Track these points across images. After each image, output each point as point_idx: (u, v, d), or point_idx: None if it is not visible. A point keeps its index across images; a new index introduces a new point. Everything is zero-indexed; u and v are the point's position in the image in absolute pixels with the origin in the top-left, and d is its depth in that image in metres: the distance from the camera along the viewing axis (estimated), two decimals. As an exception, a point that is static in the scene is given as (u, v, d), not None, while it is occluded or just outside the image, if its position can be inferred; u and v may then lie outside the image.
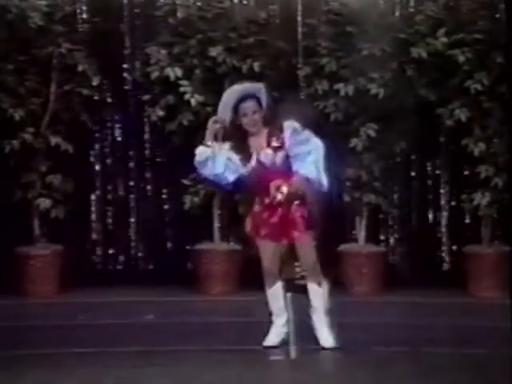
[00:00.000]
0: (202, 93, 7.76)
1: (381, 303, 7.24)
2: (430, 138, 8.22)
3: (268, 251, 5.53)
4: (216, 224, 7.95)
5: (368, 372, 5.14)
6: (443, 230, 8.35)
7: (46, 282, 7.74)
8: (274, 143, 5.51)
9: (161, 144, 8.37)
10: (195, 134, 8.06)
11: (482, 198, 7.68)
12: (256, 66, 7.72)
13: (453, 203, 8.23)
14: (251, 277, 7.74)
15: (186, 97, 7.74)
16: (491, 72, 7.62)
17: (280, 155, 5.50)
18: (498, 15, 7.72)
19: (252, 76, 7.76)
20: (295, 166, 5.47)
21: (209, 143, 5.62)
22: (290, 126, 5.55)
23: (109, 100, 8.38)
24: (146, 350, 5.68)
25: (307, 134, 5.59)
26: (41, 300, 7.45)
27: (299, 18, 8.24)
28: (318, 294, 5.50)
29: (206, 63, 7.81)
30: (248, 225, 5.64)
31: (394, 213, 8.18)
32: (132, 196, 8.50)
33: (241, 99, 5.55)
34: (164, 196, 8.47)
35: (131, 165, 8.51)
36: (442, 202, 8.36)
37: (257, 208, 5.54)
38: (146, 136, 8.44)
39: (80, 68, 7.81)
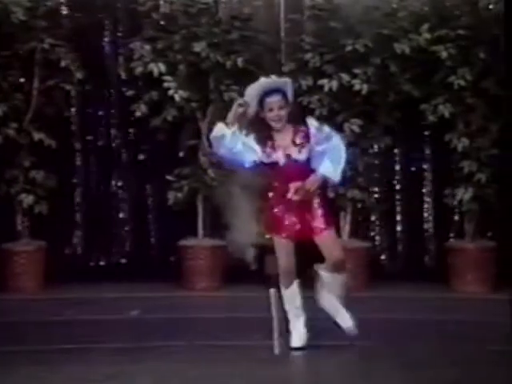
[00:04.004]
0: (186, 88, 7.75)
1: (365, 298, 7.26)
2: (414, 133, 8.25)
3: (285, 251, 5.44)
4: (200, 220, 7.96)
5: (352, 367, 5.17)
6: (427, 225, 8.39)
7: (30, 278, 7.72)
8: (299, 140, 5.42)
9: (145, 140, 8.36)
10: (180, 130, 8.09)
11: (464, 193, 7.72)
12: (240, 61, 7.72)
13: (436, 198, 8.26)
14: (236, 272, 7.78)
15: (170, 92, 7.73)
16: (474, 68, 7.66)
17: (304, 153, 5.42)
18: (480, 11, 7.76)
19: (236, 71, 7.78)
20: (315, 164, 5.39)
21: (229, 121, 5.45)
22: (313, 123, 5.48)
23: (92, 95, 8.35)
24: (131, 346, 5.67)
25: (328, 131, 5.52)
26: (24, 296, 7.42)
27: (283, 14, 8.24)
28: (338, 281, 5.50)
29: (189, 59, 7.81)
30: (265, 223, 5.52)
31: (378, 208, 8.21)
32: (116, 192, 8.49)
33: (266, 93, 5.42)
34: (148, 192, 8.46)
35: (115, 161, 8.49)
36: (426, 197, 8.40)
37: (275, 206, 5.44)
38: (130, 132, 8.43)
39: (63, 63, 7.78)
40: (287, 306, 5.52)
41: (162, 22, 7.94)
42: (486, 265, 7.70)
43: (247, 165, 5.46)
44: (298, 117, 5.53)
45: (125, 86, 8.16)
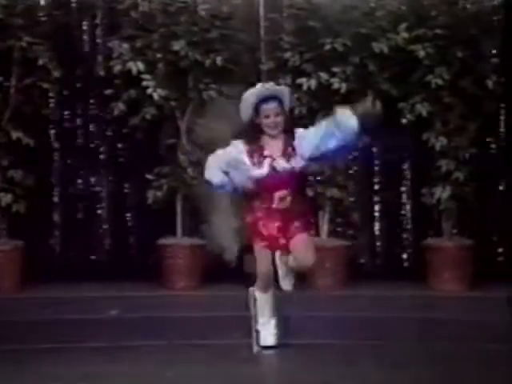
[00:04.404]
0: (164, 87, 7.74)
1: (343, 297, 7.29)
2: (392, 132, 8.29)
3: (265, 257, 5.42)
4: (179, 219, 7.95)
5: (331, 366, 5.18)
6: (405, 223, 8.43)
7: (8, 277, 7.67)
8: (289, 150, 5.39)
9: (124, 138, 8.34)
10: (159, 129, 8.07)
11: (442, 192, 7.77)
12: (219, 60, 7.72)
13: (414, 197, 8.30)
14: (215, 271, 7.77)
15: (149, 91, 7.71)
16: (452, 67, 7.70)
17: (292, 162, 5.40)
18: (458, 11, 7.80)
19: (215, 70, 7.78)
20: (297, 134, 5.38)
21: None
22: (298, 132, 5.45)
23: (70, 94, 8.32)
24: (110, 345, 5.66)
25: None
26: (2, 295, 7.38)
27: (262, 13, 8.25)
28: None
29: (168, 57, 7.79)
30: (247, 231, 5.51)
31: (357, 207, 8.24)
32: (95, 191, 8.46)
33: (263, 100, 5.40)
34: (127, 191, 8.44)
35: (93, 160, 8.46)
36: (404, 195, 8.44)
37: (257, 214, 5.41)
38: (109, 130, 8.40)
39: (41, 61, 7.75)
40: (259, 309, 5.50)
41: (140, 21, 7.92)
42: (463, 263, 7.75)
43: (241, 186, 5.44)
44: (291, 126, 5.49)
45: (103, 84, 8.13)
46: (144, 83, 7.73)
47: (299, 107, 7.69)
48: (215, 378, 4.87)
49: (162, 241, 7.93)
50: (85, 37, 8.41)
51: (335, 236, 8.01)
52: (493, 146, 8.28)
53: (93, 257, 8.45)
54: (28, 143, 7.78)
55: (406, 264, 8.41)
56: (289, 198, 5.41)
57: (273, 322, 5.46)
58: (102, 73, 8.24)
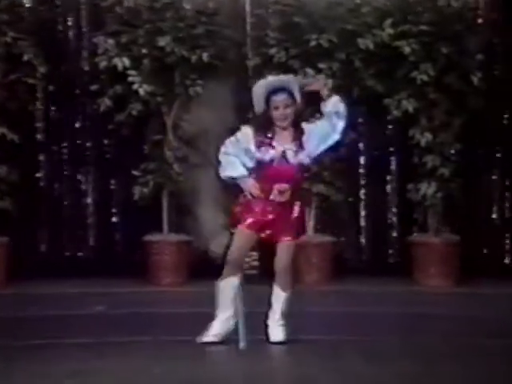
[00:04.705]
0: (150, 83, 7.73)
1: (329, 292, 7.31)
2: (378, 128, 8.31)
3: (243, 242, 5.40)
4: (165, 215, 7.94)
5: (316, 361, 5.19)
6: (391, 219, 8.46)
7: (-7, 273, 7.66)
8: (297, 144, 5.37)
9: (110, 134, 8.32)
10: (145, 125, 8.06)
11: (428, 188, 7.80)
12: (205, 56, 7.72)
13: (400, 193, 8.33)
14: (201, 267, 7.77)
15: (135, 87, 7.70)
16: (437, 63, 7.73)
17: (298, 157, 5.39)
18: (442, 7, 7.83)
19: (201, 66, 7.77)
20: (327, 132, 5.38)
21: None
22: (306, 127, 5.43)
23: (56, 90, 8.30)
24: (96, 341, 5.65)
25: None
26: (-12, 292, 7.37)
27: (248, 9, 8.25)
28: (280, 299, 5.45)
29: (154, 53, 7.78)
30: (235, 211, 5.44)
31: (343, 203, 8.26)
32: (81, 187, 8.44)
33: (272, 91, 5.38)
34: (113, 187, 8.43)
35: (79, 156, 8.44)
36: (390, 191, 8.46)
37: (253, 201, 5.37)
38: (95, 126, 8.38)
39: (26, 57, 7.72)
40: (219, 297, 5.47)
41: (125, 17, 7.90)
42: (449, 258, 7.78)
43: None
44: (302, 118, 5.47)
45: (89, 80, 8.11)
46: (130, 79, 7.71)
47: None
48: (201, 374, 4.87)
49: (148, 237, 7.92)
50: (70, 33, 8.39)
51: (321, 232, 8.03)
52: (478, 141, 8.33)
53: (79, 253, 8.44)
54: (13, 139, 7.74)
55: (392, 259, 8.44)
56: (287, 193, 5.40)
57: (228, 313, 5.43)
58: (87, 69, 8.21)
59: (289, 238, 5.45)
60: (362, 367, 4.99)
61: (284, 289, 5.48)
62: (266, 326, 5.49)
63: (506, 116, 8.25)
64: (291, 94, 5.41)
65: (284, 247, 5.45)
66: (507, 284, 7.66)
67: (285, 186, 5.39)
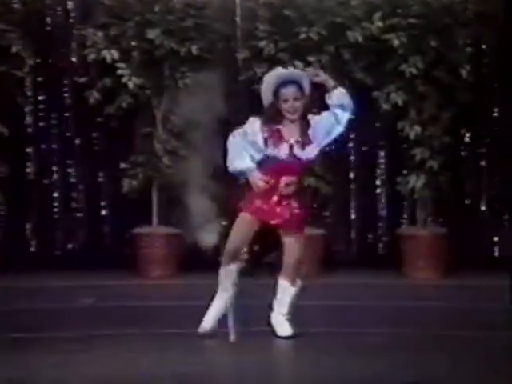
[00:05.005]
0: (140, 75, 7.72)
1: (318, 285, 7.32)
2: (367, 120, 8.32)
3: (243, 231, 5.38)
4: (155, 207, 7.94)
5: (305, 354, 5.21)
6: (380, 212, 8.48)
7: (-18, 267, 7.63)
8: (305, 138, 5.38)
9: (99, 127, 8.30)
10: (134, 117, 8.05)
11: (417, 181, 7.82)
12: (194, 48, 7.71)
13: (389, 185, 8.34)
14: (190, 260, 7.78)
15: (124, 79, 7.69)
16: (426, 56, 7.74)
17: (306, 152, 5.39)
18: (432, 0, 7.84)
19: (190, 59, 7.76)
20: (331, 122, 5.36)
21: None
22: (312, 119, 5.43)
23: (45, 82, 8.27)
24: (85, 334, 5.65)
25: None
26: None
27: (237, 1, 8.24)
28: (289, 292, 5.46)
29: (143, 46, 7.77)
30: (244, 199, 5.43)
31: (333, 195, 8.27)
32: (70, 179, 8.42)
33: (281, 84, 5.37)
34: (103, 179, 8.42)
35: (68, 148, 8.42)
36: (379, 184, 8.48)
37: (259, 193, 5.35)
38: (84, 119, 8.36)
39: (14, 49, 7.68)
40: (220, 283, 5.45)
41: (115, 9, 7.88)
42: (437, 251, 7.81)
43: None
44: (310, 111, 5.45)
45: (78, 72, 8.09)
46: (119, 72, 7.70)
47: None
48: (191, 367, 4.88)
49: (138, 230, 7.92)
50: (59, 25, 8.35)
51: (311, 225, 8.03)
52: (467, 134, 8.35)
53: (68, 246, 8.42)
54: (2, 132, 7.72)
55: (381, 252, 8.46)
56: (294, 186, 5.39)
57: (219, 303, 5.44)
58: (76, 61, 8.19)
59: (296, 231, 5.43)
60: (351, 359, 5.01)
61: (293, 283, 5.47)
62: (271, 321, 5.47)
63: (494, 109, 8.27)
64: (300, 87, 5.39)
65: (292, 240, 5.44)
66: (495, 276, 7.68)
67: (292, 179, 5.39)
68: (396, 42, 7.64)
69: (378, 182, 8.47)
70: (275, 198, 5.39)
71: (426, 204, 7.96)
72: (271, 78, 5.46)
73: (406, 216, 8.31)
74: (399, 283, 7.57)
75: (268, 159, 5.39)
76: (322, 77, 5.47)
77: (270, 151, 5.39)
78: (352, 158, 8.47)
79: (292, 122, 5.41)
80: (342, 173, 8.42)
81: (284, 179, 5.38)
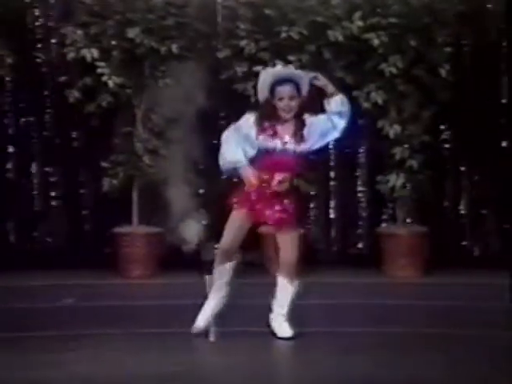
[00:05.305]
0: (120, 74, 7.70)
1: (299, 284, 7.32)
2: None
3: (236, 229, 5.35)
4: (135, 207, 7.93)
5: (286, 353, 5.22)
6: (360, 211, 8.51)
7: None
8: (299, 136, 5.35)
9: (79, 126, 8.27)
10: (115, 116, 8.03)
11: (397, 180, 7.85)
12: (174, 47, 7.70)
13: (369, 184, 8.37)
14: (171, 260, 7.77)
15: (104, 78, 7.67)
16: (405, 55, 7.77)
17: (300, 147, 5.37)
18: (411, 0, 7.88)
19: (171, 58, 7.75)
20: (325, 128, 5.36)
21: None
22: (311, 123, 5.41)
23: (24, 81, 8.23)
24: (66, 334, 5.63)
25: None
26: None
27: (218, 0, 8.23)
28: (288, 290, 5.45)
29: (123, 44, 7.75)
30: (236, 196, 5.40)
31: (313, 194, 8.29)
32: (50, 178, 8.39)
33: (277, 81, 5.35)
34: (83, 179, 8.39)
35: (49, 147, 8.39)
36: (359, 183, 8.50)
37: (249, 187, 5.31)
38: (64, 117, 8.33)
39: (-8, 48, 7.65)
40: (215, 282, 5.43)
41: (95, 7, 7.85)
42: (417, 250, 7.85)
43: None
44: (306, 111, 5.41)
45: (58, 71, 8.05)
46: (99, 70, 7.67)
47: (255, 95, 7.67)
48: (172, 367, 4.88)
49: (118, 229, 7.90)
50: (38, 23, 8.31)
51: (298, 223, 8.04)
52: (446, 133, 8.39)
53: (48, 245, 8.39)
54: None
55: (361, 251, 8.49)
56: (287, 183, 5.39)
57: (212, 303, 5.45)
58: (56, 60, 8.15)
59: (291, 229, 5.42)
60: (333, 358, 5.02)
61: (292, 281, 5.47)
62: (270, 322, 5.45)
63: (474, 108, 8.32)
64: (297, 87, 5.37)
65: (288, 238, 5.42)
66: (475, 274, 7.74)
67: (285, 175, 5.38)
68: (376, 42, 7.67)
69: (358, 181, 8.49)
70: (268, 196, 5.38)
71: (406, 203, 8.00)
72: (268, 75, 5.45)
73: (386, 215, 8.34)
74: (380, 282, 7.60)
75: (261, 153, 5.37)
76: (322, 81, 5.44)
77: (263, 143, 5.36)
78: (332, 156, 8.49)
79: (286, 120, 5.40)
80: (322, 171, 8.43)
81: (277, 176, 5.38)
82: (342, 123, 5.44)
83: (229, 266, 5.43)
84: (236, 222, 5.40)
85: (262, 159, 5.38)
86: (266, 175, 5.37)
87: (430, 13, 7.88)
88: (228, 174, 5.53)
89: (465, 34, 8.24)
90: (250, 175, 5.34)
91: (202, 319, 5.46)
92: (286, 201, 5.42)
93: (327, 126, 5.42)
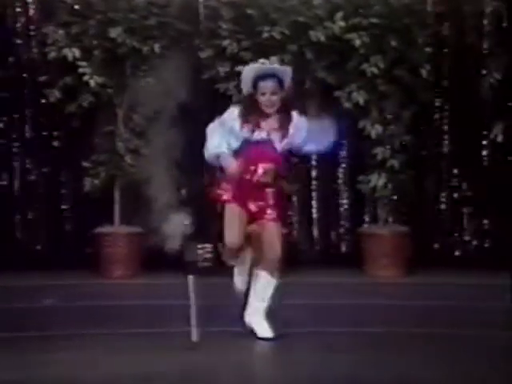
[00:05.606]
0: (101, 74, 7.68)
1: (280, 284, 7.33)
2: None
3: (238, 220, 5.35)
4: (117, 207, 7.90)
5: (268, 354, 5.23)
6: (342, 211, 8.53)
7: None
8: (283, 131, 5.37)
9: (60, 126, 8.24)
10: (96, 116, 8.00)
11: (378, 180, 7.88)
12: (157, 47, 7.69)
13: (351, 184, 8.40)
14: (153, 260, 7.75)
15: (85, 78, 7.64)
16: (387, 55, 7.81)
17: (283, 142, 5.39)
18: (392, 0, 7.90)
19: (153, 57, 7.74)
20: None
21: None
22: (295, 117, 5.44)
23: (4, 80, 8.19)
24: (48, 334, 5.61)
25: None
26: None
27: (200, 0, 8.23)
28: (270, 284, 5.43)
29: (105, 44, 7.73)
30: (220, 189, 5.42)
31: (294, 194, 8.31)
32: (31, 179, 8.35)
33: (261, 76, 5.37)
34: (64, 179, 8.36)
35: (29, 147, 8.35)
36: (341, 183, 8.52)
37: (237, 182, 5.32)
38: (45, 117, 8.29)
39: (-27, 47, 7.61)
40: (236, 275, 5.50)
41: (76, 7, 7.82)
42: (399, 249, 7.87)
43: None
44: (289, 107, 5.44)
45: (39, 71, 8.02)
46: (80, 70, 7.65)
47: (237, 95, 7.70)
48: (154, 367, 4.87)
49: (100, 229, 7.88)
50: (19, 22, 8.27)
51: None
52: (427, 133, 8.43)
53: (29, 245, 8.35)
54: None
55: (343, 251, 8.51)
56: (271, 174, 5.38)
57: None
58: (37, 59, 8.12)
59: (274, 222, 5.41)
60: (315, 358, 5.03)
61: (274, 275, 5.45)
62: (246, 319, 5.43)
63: (454, 108, 8.37)
64: (280, 82, 5.39)
65: (273, 232, 5.40)
66: (457, 274, 7.79)
67: (269, 166, 5.38)
68: (357, 42, 7.70)
69: (339, 181, 8.51)
70: (253, 187, 5.37)
71: (388, 203, 8.03)
72: (250, 70, 5.47)
73: (367, 215, 8.36)
74: (361, 282, 7.62)
75: (245, 144, 5.38)
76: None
77: (247, 135, 5.37)
78: (313, 156, 8.50)
79: (269, 115, 5.42)
80: (303, 171, 8.45)
81: (262, 165, 5.38)
82: (325, 141, 5.54)
83: (245, 255, 5.44)
84: (236, 218, 5.39)
85: (246, 150, 5.39)
86: (250, 166, 5.38)
87: (410, 13, 7.92)
88: (213, 165, 5.54)
89: (445, 35, 8.28)
90: (231, 163, 5.35)
91: (239, 282, 5.48)
92: (270, 193, 5.42)
93: (313, 136, 5.49)
